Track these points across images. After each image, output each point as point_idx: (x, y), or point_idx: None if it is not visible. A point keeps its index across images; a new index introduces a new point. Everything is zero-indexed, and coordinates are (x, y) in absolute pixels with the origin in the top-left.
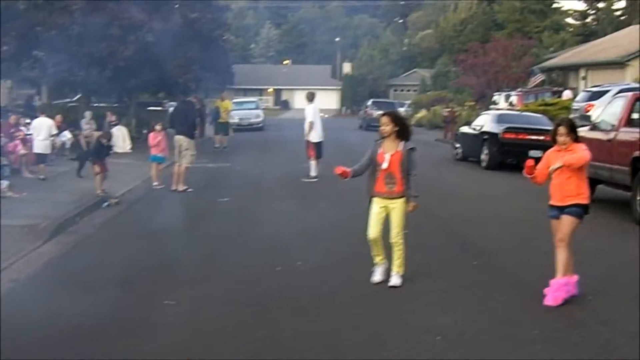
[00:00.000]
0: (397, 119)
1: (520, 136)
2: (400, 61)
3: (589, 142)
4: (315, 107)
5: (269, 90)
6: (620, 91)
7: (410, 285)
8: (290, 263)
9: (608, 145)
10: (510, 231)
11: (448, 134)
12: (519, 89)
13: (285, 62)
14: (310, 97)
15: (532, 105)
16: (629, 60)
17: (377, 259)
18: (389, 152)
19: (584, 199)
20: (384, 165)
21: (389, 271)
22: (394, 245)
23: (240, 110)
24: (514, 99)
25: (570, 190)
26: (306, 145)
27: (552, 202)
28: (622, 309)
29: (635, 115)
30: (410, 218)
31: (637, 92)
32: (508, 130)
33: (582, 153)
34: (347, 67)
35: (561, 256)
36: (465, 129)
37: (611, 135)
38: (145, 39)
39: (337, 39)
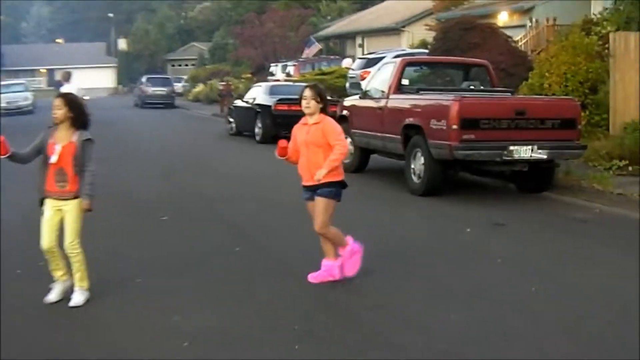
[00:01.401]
0: (71, 103)
1: (294, 107)
2: (177, 35)
3: (360, 110)
4: (73, 87)
5: (41, 70)
6: (396, 57)
7: (159, 283)
8: None
9: (379, 114)
10: (282, 213)
11: (224, 108)
12: (296, 60)
13: (58, 41)
14: (66, 77)
15: (309, 75)
16: (404, 26)
17: (57, 275)
18: (60, 143)
19: (336, 176)
20: (53, 159)
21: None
22: (70, 257)
23: (7, 93)
24: (290, 69)
25: (320, 168)
26: None
27: (304, 183)
28: (392, 290)
29: (404, 82)
30: (173, 196)
31: (407, 57)
32: (280, 101)
33: (340, 142)
34: (122, 44)
35: (326, 245)
36: (238, 103)
37: (382, 103)
38: None
39: (111, 15)
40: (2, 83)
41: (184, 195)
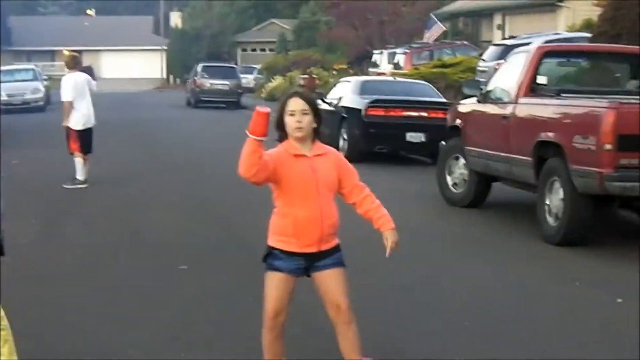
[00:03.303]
0: None
1: (393, 112)
2: (251, 10)
3: (478, 119)
4: (80, 77)
5: (64, 52)
6: (547, 43)
7: None
8: None
9: (504, 125)
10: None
11: None
12: (409, 45)
13: (88, 13)
14: (72, 63)
15: (425, 68)
16: (562, 0)
17: None
18: None
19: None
20: None
21: None
22: None
23: (9, 82)
24: (400, 58)
25: (335, 222)
26: (66, 135)
27: (303, 249)
28: None
29: (541, 80)
30: None
31: (546, 45)
32: (375, 104)
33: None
34: (176, 19)
35: (277, 344)
36: (320, 104)
37: (507, 109)
38: None
39: None
40: (3, 68)
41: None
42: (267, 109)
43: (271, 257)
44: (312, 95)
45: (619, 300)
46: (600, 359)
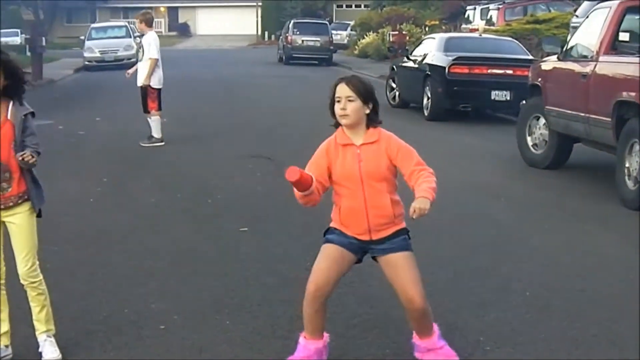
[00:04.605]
0: (7, 65)
1: (477, 70)
2: None
3: (558, 78)
4: (156, 36)
5: (160, 9)
6: None
7: None
8: None
9: (583, 84)
10: None
11: None
12: (503, 1)
13: None
14: (149, 20)
15: (517, 24)
16: None
17: None
18: None
19: (402, 219)
20: None
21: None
22: (29, 288)
23: (102, 39)
24: (493, 14)
25: (387, 212)
26: (143, 94)
27: (356, 234)
28: None
29: (624, 36)
30: None
31: (628, 0)
32: (458, 61)
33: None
34: None
35: (318, 317)
36: (404, 62)
37: (588, 67)
38: None
39: None
40: (94, 25)
41: None
42: (294, 174)
43: (327, 232)
44: (363, 80)
45: None
46: None
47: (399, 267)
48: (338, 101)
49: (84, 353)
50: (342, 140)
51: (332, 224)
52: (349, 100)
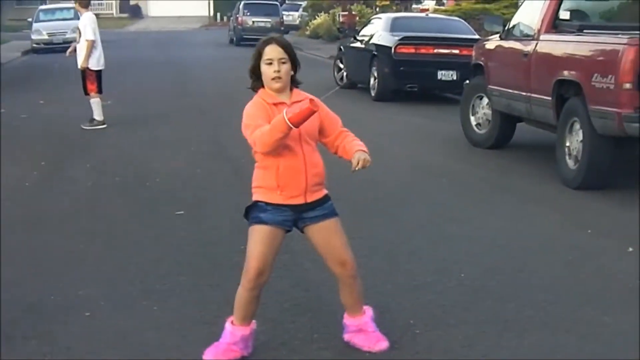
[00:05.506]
0: None
1: (423, 50)
2: None
3: (500, 57)
4: (94, 17)
5: None
6: None
7: None
8: None
9: (524, 63)
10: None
11: None
12: None
13: None
14: (84, 1)
15: (467, 3)
16: None
17: None
18: None
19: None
20: None
21: None
22: None
23: (50, 21)
24: None
25: (321, 172)
26: (83, 76)
27: (289, 200)
28: None
29: (564, 15)
30: None
31: None
32: (404, 41)
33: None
34: None
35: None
36: (351, 42)
37: (529, 46)
38: None
39: None
40: (42, 7)
41: None
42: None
43: (256, 210)
44: (288, 41)
45: (630, 249)
46: (599, 311)
47: (332, 233)
48: (269, 63)
49: (4, 343)
50: (272, 99)
51: (259, 197)
52: (282, 62)
